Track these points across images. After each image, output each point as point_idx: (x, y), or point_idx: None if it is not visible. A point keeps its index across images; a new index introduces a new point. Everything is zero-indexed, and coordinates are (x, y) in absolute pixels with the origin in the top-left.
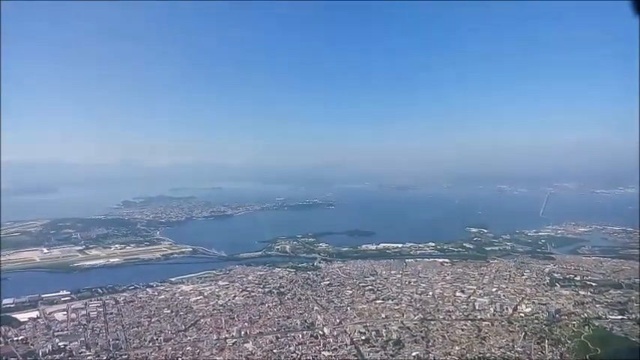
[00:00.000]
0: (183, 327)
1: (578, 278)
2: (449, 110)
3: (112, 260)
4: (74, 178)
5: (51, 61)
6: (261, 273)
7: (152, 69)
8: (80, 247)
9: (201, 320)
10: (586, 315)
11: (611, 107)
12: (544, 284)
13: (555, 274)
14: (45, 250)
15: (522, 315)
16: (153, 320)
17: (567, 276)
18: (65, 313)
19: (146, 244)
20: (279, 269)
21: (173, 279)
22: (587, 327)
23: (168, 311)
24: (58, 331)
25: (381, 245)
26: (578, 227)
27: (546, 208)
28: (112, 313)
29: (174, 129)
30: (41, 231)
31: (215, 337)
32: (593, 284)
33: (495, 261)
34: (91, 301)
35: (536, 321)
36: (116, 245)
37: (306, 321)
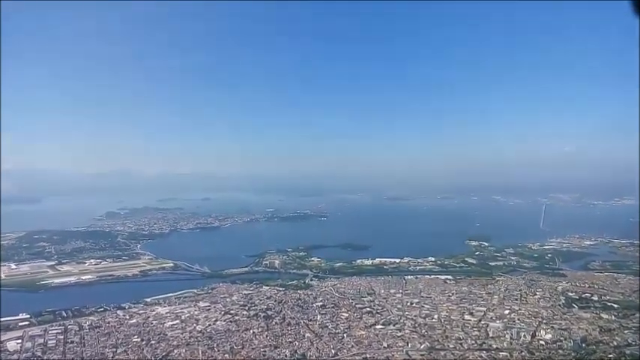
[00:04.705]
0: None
1: (595, 298)
2: (441, 121)
3: (84, 277)
4: (62, 187)
5: (48, 63)
6: (247, 292)
7: (151, 75)
8: (52, 263)
9: (175, 351)
10: (616, 343)
11: (609, 113)
12: (560, 305)
13: (570, 294)
14: (13, 266)
15: (543, 343)
16: (119, 351)
17: (583, 295)
18: (20, 341)
19: (124, 259)
20: (267, 288)
21: (148, 299)
22: (623, 358)
23: (138, 339)
24: None
25: (378, 260)
26: (583, 240)
27: (546, 219)
28: (72, 342)
29: (173, 137)
30: (14, 244)
31: None
32: (615, 306)
33: (502, 278)
34: (52, 326)
35: (561, 351)
36: (91, 260)
37: (296, 351)
